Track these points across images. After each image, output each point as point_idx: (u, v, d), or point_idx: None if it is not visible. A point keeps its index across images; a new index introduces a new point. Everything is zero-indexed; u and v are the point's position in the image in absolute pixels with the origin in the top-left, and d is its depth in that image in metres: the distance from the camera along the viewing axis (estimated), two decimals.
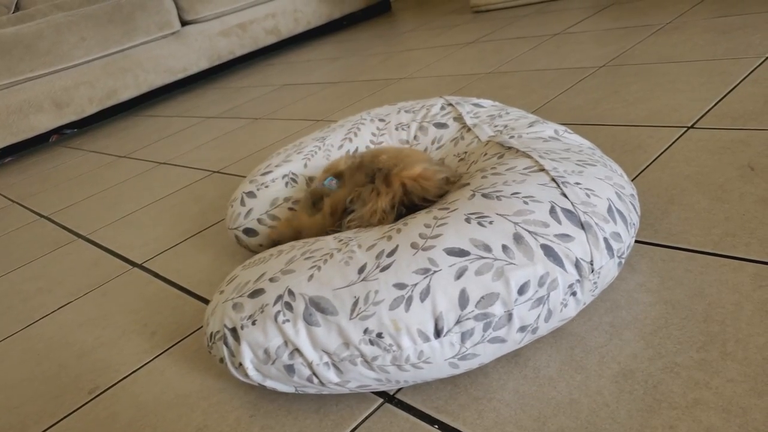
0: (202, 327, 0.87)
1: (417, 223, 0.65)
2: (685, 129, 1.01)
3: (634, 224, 0.66)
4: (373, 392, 0.65)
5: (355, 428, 0.61)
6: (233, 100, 2.53)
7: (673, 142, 0.98)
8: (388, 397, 0.64)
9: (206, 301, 0.94)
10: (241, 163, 1.60)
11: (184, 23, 3.01)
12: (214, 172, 1.61)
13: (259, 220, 0.95)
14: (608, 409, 0.54)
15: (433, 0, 3.65)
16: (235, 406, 0.69)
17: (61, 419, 0.77)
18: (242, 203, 0.98)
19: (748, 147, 0.89)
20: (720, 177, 0.84)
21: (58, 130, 2.86)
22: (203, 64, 3.05)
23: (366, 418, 0.62)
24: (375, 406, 0.63)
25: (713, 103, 1.07)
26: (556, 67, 1.57)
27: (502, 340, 0.59)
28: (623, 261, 0.64)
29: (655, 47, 1.47)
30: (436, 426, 0.59)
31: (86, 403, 0.78)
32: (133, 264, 1.17)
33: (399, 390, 0.65)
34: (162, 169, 1.80)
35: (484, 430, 0.56)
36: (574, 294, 0.60)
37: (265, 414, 0.67)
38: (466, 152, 0.86)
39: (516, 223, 0.61)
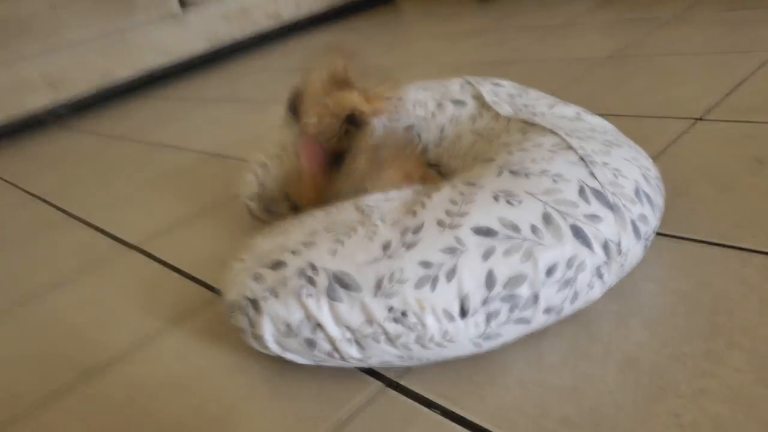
0: (199, 309, 0.86)
1: (442, 198, 0.64)
2: (693, 121, 1.00)
3: (659, 207, 0.66)
4: (373, 376, 0.64)
5: (355, 412, 0.60)
6: (233, 84, 2.50)
7: (681, 134, 0.97)
8: (388, 381, 0.63)
9: (203, 283, 0.93)
10: (240, 147, 1.58)
11: (184, 5, 2.98)
12: (213, 154, 1.59)
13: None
14: (612, 397, 0.53)
15: None
16: (231, 388, 0.68)
17: (53, 400, 0.75)
18: (255, 174, 0.96)
19: (757, 140, 0.88)
20: (728, 169, 0.83)
21: (54, 111, 2.83)
22: (203, 48, 3.02)
23: (366, 402, 0.61)
24: (375, 390, 0.62)
25: (721, 96, 1.06)
26: (561, 58, 1.55)
27: (527, 321, 0.58)
28: (649, 244, 0.64)
29: (662, 39, 1.46)
30: (438, 411, 0.58)
31: (78, 384, 0.77)
32: (129, 245, 1.15)
33: (401, 374, 0.63)
34: (159, 151, 1.78)
35: (486, 415, 0.55)
36: (600, 276, 0.59)
37: (263, 397, 0.65)
38: (484, 130, 0.85)
39: (545, 203, 0.60)
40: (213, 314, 0.84)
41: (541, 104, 0.84)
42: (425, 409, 0.58)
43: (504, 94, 0.91)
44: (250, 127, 1.77)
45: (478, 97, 0.92)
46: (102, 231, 1.27)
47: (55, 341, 0.88)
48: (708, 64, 1.22)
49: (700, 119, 0.99)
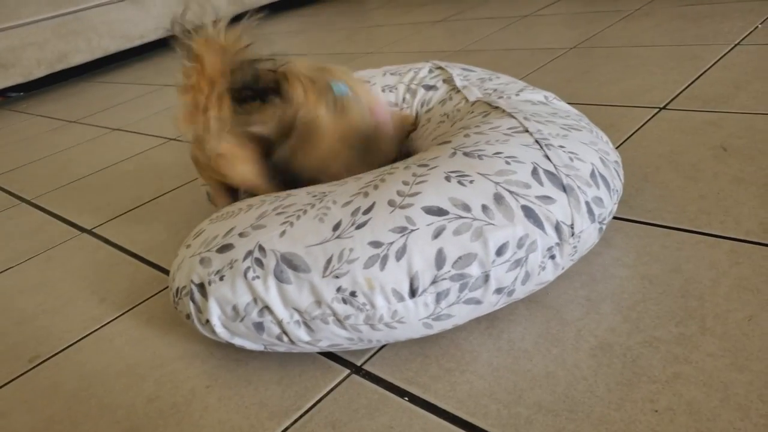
0: (154, 295, 0.82)
1: (395, 179, 0.62)
2: (657, 110, 1.00)
3: (617, 191, 0.64)
4: (339, 363, 0.62)
5: (320, 399, 0.58)
6: None
7: (646, 122, 0.97)
8: (355, 368, 0.61)
9: (159, 268, 0.89)
10: None
11: None
12: (170, 139, 1.54)
13: None
14: (586, 383, 0.52)
15: None
16: (190, 376, 0.65)
17: None
18: None
19: (720, 129, 0.89)
20: (693, 157, 0.83)
21: (3, 93, 2.71)
22: (161, 32, 2.93)
23: (332, 389, 0.59)
24: (341, 377, 0.60)
25: (684, 86, 1.06)
26: (526, 47, 1.55)
27: (478, 302, 0.56)
28: (604, 227, 0.63)
29: (625, 31, 1.47)
30: (406, 398, 0.56)
31: (26, 372, 0.72)
32: (82, 229, 1.10)
33: (367, 360, 0.61)
34: (115, 136, 1.72)
35: (458, 402, 0.54)
36: (552, 257, 0.58)
37: (223, 384, 0.63)
38: (452, 111, 0.83)
39: (497, 183, 0.58)
40: (169, 300, 0.80)
41: (510, 88, 0.83)
42: (394, 396, 0.56)
43: (474, 78, 0.90)
44: None
45: (449, 81, 0.91)
46: (53, 215, 1.21)
47: (2, 327, 0.83)
48: (671, 55, 1.23)
49: (664, 108, 1.00)
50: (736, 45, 1.19)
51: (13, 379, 0.72)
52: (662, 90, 1.07)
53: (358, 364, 0.61)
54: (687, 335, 0.55)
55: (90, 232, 1.08)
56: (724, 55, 1.16)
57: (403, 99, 0.93)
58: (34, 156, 1.70)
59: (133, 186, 1.26)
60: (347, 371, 0.61)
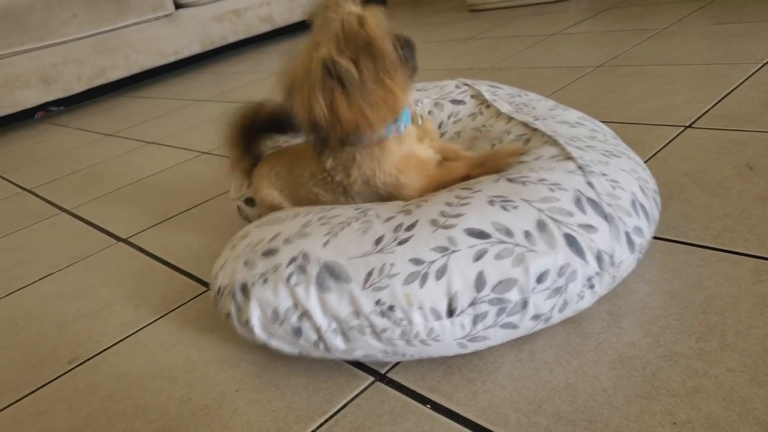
0: (187, 302, 0.85)
1: (438, 199, 0.64)
2: (683, 128, 1.01)
3: (655, 220, 0.66)
4: (363, 370, 0.64)
5: (345, 405, 0.60)
6: (224, 84, 2.50)
7: (671, 140, 0.97)
8: (379, 376, 0.63)
9: (192, 277, 0.92)
10: None
11: (177, 6, 2.97)
12: (204, 152, 1.58)
13: None
14: (606, 395, 0.53)
15: None
16: (220, 380, 0.67)
17: (39, 388, 0.74)
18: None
19: (746, 147, 0.89)
20: (718, 175, 0.84)
21: (45, 107, 2.81)
22: (195, 49, 3.01)
23: (356, 395, 0.61)
24: (366, 383, 0.62)
25: (711, 105, 1.07)
26: (552, 66, 1.56)
27: (514, 326, 0.57)
28: (642, 256, 0.64)
29: (652, 50, 1.47)
30: (429, 406, 0.57)
31: (65, 373, 0.76)
32: (118, 238, 1.14)
33: (391, 369, 0.63)
34: (150, 149, 1.77)
35: (479, 410, 0.55)
36: (592, 287, 0.59)
37: (252, 388, 0.65)
38: (484, 126, 0.84)
39: (541, 210, 0.59)
40: (201, 307, 0.83)
41: (541, 105, 0.85)
42: (417, 404, 0.58)
43: (503, 94, 0.91)
44: None
45: (478, 96, 0.93)
46: (91, 224, 1.25)
47: (43, 331, 0.87)
48: (698, 74, 1.23)
49: (690, 126, 1.00)
50: (764, 64, 1.19)
51: (53, 379, 0.75)
52: (688, 108, 1.08)
53: (382, 372, 0.63)
54: (707, 350, 0.55)
55: (126, 241, 1.12)
56: (753, 74, 1.16)
57: (429, 112, 0.96)
58: (74, 168, 1.76)
59: (167, 197, 1.30)
60: (372, 378, 0.62)
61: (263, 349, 0.70)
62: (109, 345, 0.79)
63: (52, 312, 0.92)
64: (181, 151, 1.65)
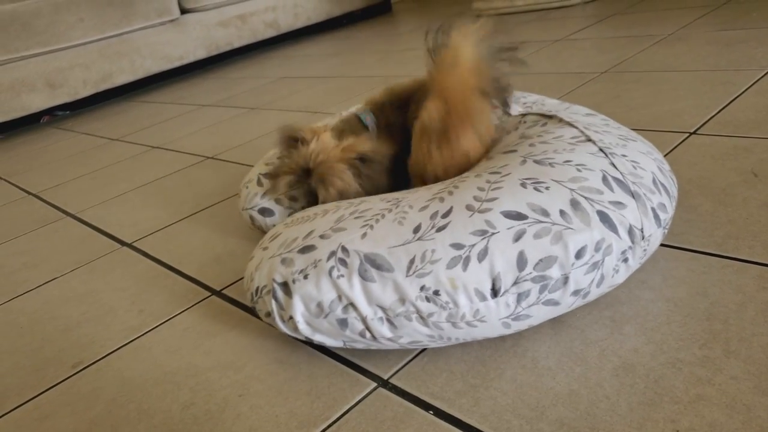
0: (190, 307, 0.85)
1: (468, 186, 0.66)
2: (688, 134, 1.01)
3: (674, 197, 0.68)
4: (366, 376, 0.64)
5: (348, 411, 0.60)
6: (229, 89, 2.51)
7: (676, 147, 0.97)
8: (382, 382, 0.63)
9: (196, 281, 0.92)
10: (236, 151, 1.58)
11: (183, 11, 2.99)
12: (209, 157, 1.59)
13: (278, 200, 0.93)
14: (608, 402, 0.53)
15: (435, 3, 3.66)
16: (223, 386, 0.67)
17: (43, 392, 0.74)
18: (259, 183, 0.96)
19: (752, 154, 0.89)
20: (723, 182, 0.84)
21: (50, 111, 2.82)
22: (200, 54, 3.02)
23: (359, 401, 0.61)
24: (369, 389, 0.62)
25: (716, 111, 1.07)
26: (556, 71, 1.56)
27: (556, 303, 0.59)
28: (667, 231, 0.66)
29: (657, 56, 1.47)
30: (431, 412, 0.57)
31: (69, 377, 0.76)
32: (123, 243, 1.15)
33: (393, 374, 0.63)
34: (155, 153, 1.78)
35: (481, 416, 0.55)
36: (626, 260, 0.61)
37: (255, 394, 0.65)
38: (499, 119, 0.86)
39: (572, 189, 0.61)
40: (205, 311, 0.83)
41: (549, 102, 0.86)
42: (419, 410, 0.58)
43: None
44: (245, 131, 1.76)
45: None
46: (96, 228, 1.26)
47: (47, 335, 0.87)
48: (703, 80, 1.23)
49: (695, 133, 1.00)
50: None
51: (57, 383, 0.75)
52: (693, 115, 1.08)
53: (385, 377, 0.63)
54: (711, 358, 0.55)
55: (130, 246, 1.12)
56: (758, 80, 1.16)
57: None
58: (79, 172, 1.77)
59: (171, 202, 1.31)
60: (374, 384, 0.62)
61: (267, 354, 0.70)
62: (112, 349, 0.80)
63: (56, 316, 0.92)
64: (186, 156, 1.66)
